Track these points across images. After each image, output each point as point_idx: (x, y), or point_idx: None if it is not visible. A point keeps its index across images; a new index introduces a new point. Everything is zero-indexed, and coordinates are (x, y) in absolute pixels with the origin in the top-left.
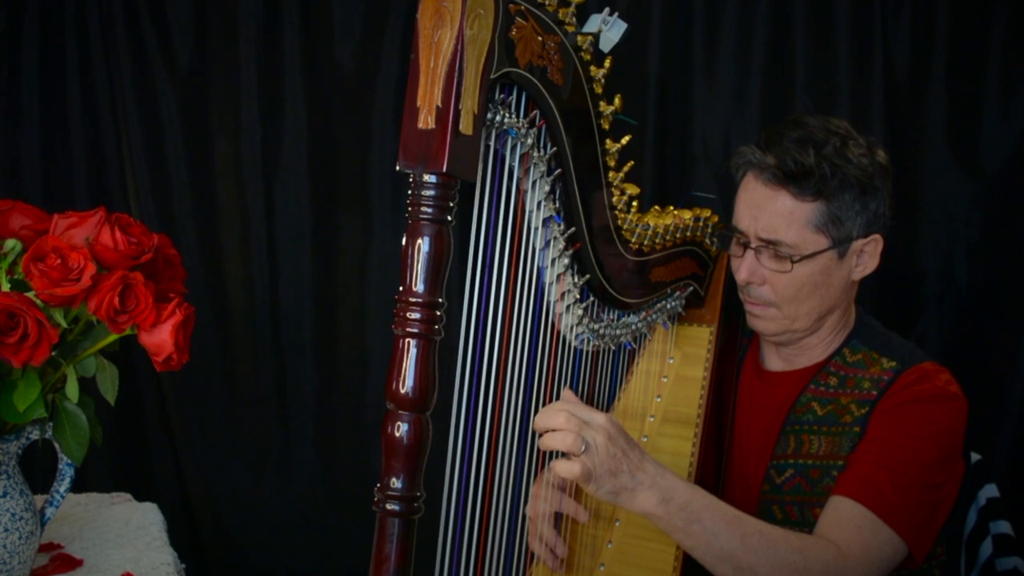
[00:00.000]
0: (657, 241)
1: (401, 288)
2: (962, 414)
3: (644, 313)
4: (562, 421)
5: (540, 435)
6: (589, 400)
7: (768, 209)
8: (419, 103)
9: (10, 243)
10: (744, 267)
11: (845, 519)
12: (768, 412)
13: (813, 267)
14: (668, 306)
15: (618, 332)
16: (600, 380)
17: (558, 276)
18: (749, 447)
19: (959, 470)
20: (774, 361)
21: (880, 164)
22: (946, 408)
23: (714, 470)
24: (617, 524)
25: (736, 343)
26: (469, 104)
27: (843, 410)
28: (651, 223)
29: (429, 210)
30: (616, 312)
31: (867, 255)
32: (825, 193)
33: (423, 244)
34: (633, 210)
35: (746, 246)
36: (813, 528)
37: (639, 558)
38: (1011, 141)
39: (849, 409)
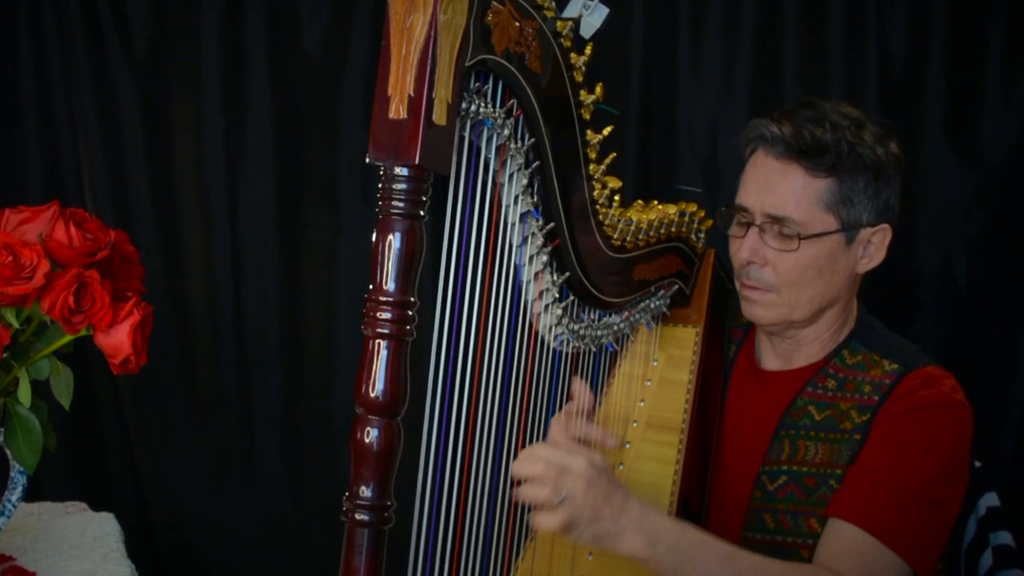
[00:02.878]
0: (640, 237)
1: (371, 286)
2: (968, 424)
3: (626, 313)
4: (539, 470)
5: (518, 483)
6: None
7: (777, 184)
8: (390, 92)
9: None
10: (746, 245)
11: (847, 546)
12: (761, 413)
13: (819, 249)
14: (652, 306)
15: (599, 333)
16: None
17: (536, 274)
18: (739, 450)
19: (965, 482)
20: (770, 359)
21: (894, 155)
22: (951, 417)
23: (701, 478)
24: None
25: (722, 345)
26: (443, 93)
27: (842, 416)
28: (634, 218)
29: (400, 204)
30: (597, 312)
31: (874, 246)
32: (839, 170)
33: (394, 240)
34: (615, 204)
35: (749, 224)
36: (807, 539)
37: (620, 571)
38: (1013, 132)
39: (849, 415)
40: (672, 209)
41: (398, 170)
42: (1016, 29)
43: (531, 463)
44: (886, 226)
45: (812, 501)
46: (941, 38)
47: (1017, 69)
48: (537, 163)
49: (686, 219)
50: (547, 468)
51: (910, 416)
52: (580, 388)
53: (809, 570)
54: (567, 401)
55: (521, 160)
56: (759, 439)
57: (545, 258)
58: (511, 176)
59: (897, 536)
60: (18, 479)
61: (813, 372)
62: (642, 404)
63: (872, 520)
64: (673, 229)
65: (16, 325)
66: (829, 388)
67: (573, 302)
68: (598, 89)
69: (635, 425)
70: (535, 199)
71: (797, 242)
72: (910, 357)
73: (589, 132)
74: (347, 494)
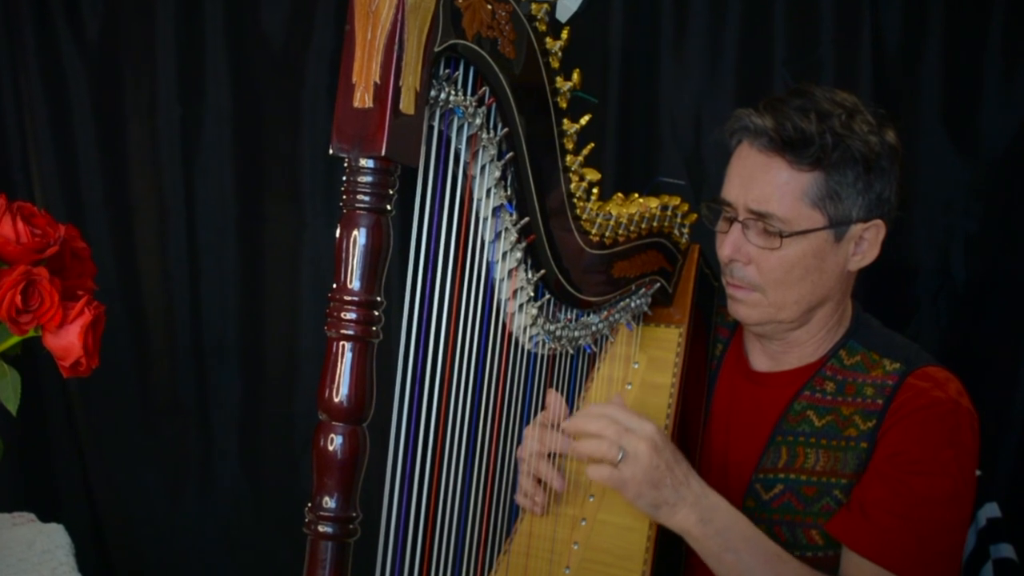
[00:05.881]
0: (620, 232)
1: (335, 285)
2: (976, 432)
3: (606, 312)
4: (600, 427)
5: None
6: (543, 410)
7: (760, 178)
8: (355, 79)
9: None
10: (729, 242)
11: None
12: (753, 417)
13: (805, 247)
14: (632, 305)
15: (577, 334)
16: (557, 387)
17: (510, 272)
18: (729, 457)
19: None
20: (760, 359)
21: (889, 144)
22: (962, 428)
23: None
24: (575, 547)
25: (707, 345)
26: (411, 80)
27: (846, 422)
28: (613, 212)
29: (366, 198)
30: (574, 311)
31: (867, 243)
32: (824, 164)
33: (359, 236)
34: (593, 198)
35: (733, 220)
36: (805, 551)
37: None
38: (1014, 122)
39: (853, 421)
40: (654, 203)
41: (363, 162)
42: (1018, 13)
43: (591, 420)
44: (879, 221)
45: (813, 512)
46: (939, 22)
47: (1019, 55)
48: (511, 154)
49: (669, 213)
50: (608, 426)
51: (921, 430)
52: (554, 399)
53: None
54: (542, 409)
55: (494, 151)
56: (751, 445)
57: (519, 254)
58: (483, 168)
59: (920, 570)
60: None
61: (810, 374)
62: None
63: (895, 558)
64: (655, 224)
65: None
66: (828, 391)
67: (549, 301)
68: (575, 76)
69: None
70: (508, 192)
71: (779, 240)
72: (912, 355)
73: (566, 121)
74: (309, 505)
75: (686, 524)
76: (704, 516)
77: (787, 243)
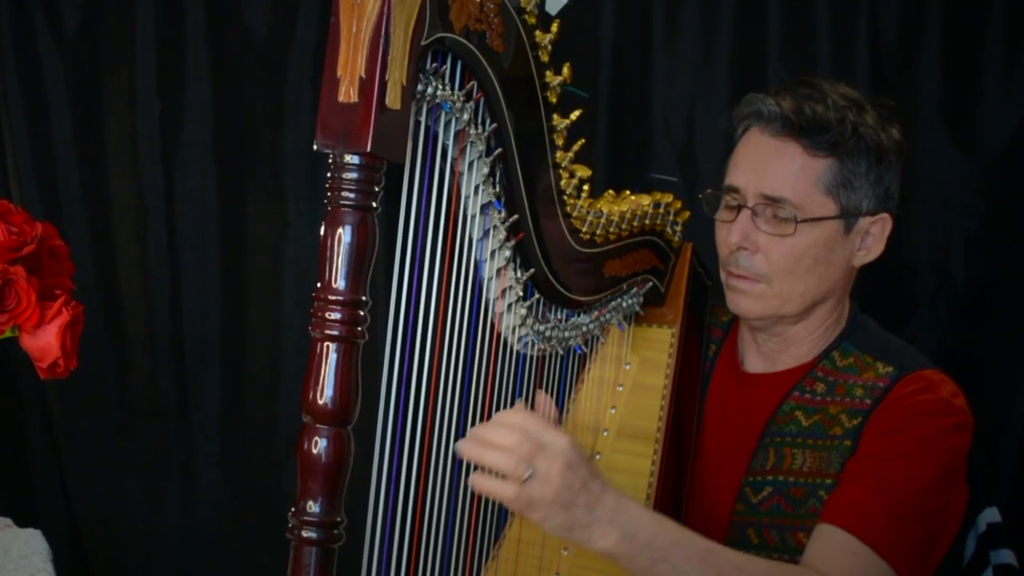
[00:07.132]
0: (611, 230)
1: (319, 284)
2: (967, 432)
3: (596, 312)
4: (513, 441)
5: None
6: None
7: (774, 163)
8: (340, 73)
9: None
10: (737, 229)
11: (836, 549)
12: (744, 420)
13: (816, 236)
14: (624, 304)
15: (567, 334)
16: (547, 389)
17: (498, 270)
18: (720, 460)
19: (962, 496)
20: (754, 361)
21: (896, 139)
22: (950, 425)
23: (677, 491)
24: (565, 553)
25: (700, 346)
26: (397, 75)
27: (832, 421)
28: (604, 210)
29: (351, 195)
30: (564, 312)
31: (872, 237)
32: (840, 150)
33: (344, 234)
34: (584, 195)
35: (741, 207)
36: (795, 554)
37: None
38: (1015, 117)
39: (839, 420)
40: (646, 200)
41: (348, 158)
42: (1018, 6)
43: (503, 431)
44: (886, 215)
45: (800, 514)
46: (937, 15)
47: (1019, 49)
48: (499, 150)
49: (661, 211)
50: (522, 441)
51: (906, 421)
52: (543, 401)
53: (795, 570)
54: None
55: (482, 147)
56: (742, 448)
57: (508, 253)
58: (471, 164)
59: (888, 545)
60: None
61: (801, 375)
62: (613, 411)
63: (863, 526)
64: (647, 222)
65: None
66: (817, 392)
67: (538, 301)
68: (565, 70)
69: (606, 434)
70: (497, 189)
71: (794, 226)
72: (906, 359)
73: (556, 116)
74: (293, 509)
75: (606, 544)
76: (626, 532)
77: (800, 229)
